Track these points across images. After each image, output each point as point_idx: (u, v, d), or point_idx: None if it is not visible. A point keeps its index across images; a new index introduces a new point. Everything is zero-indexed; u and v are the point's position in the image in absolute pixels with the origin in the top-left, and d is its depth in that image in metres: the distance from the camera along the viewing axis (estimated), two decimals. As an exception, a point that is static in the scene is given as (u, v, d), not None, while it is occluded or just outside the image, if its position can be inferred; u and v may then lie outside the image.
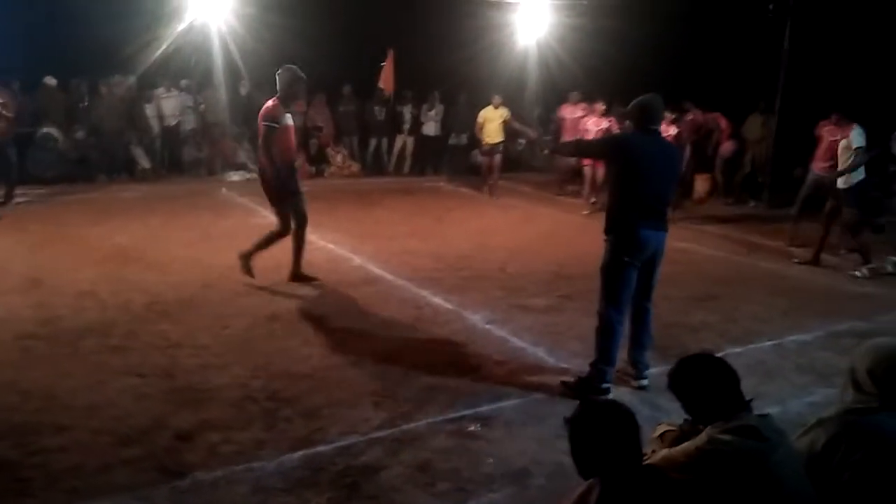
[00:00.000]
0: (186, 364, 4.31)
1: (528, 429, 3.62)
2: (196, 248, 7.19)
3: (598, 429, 1.81)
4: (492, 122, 10.46)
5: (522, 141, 10.45)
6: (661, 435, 2.40)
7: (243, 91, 12.23)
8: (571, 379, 4.14)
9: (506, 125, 10.30)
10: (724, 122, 10.65)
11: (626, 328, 4.18)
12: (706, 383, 2.18)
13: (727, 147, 10.23)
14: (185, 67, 11.44)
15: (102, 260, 6.60)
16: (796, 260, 7.31)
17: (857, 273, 6.79)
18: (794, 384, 4.28)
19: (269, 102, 5.67)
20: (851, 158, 6.77)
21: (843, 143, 6.91)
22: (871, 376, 2.21)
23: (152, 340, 4.67)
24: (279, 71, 5.65)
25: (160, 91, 11.85)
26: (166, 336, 4.75)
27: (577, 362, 4.50)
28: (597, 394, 3.99)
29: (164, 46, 9.81)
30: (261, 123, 5.65)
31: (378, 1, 11.20)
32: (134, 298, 5.49)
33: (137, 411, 3.69)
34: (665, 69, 10.29)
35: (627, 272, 4.02)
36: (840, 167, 6.92)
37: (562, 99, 11.10)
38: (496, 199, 10.62)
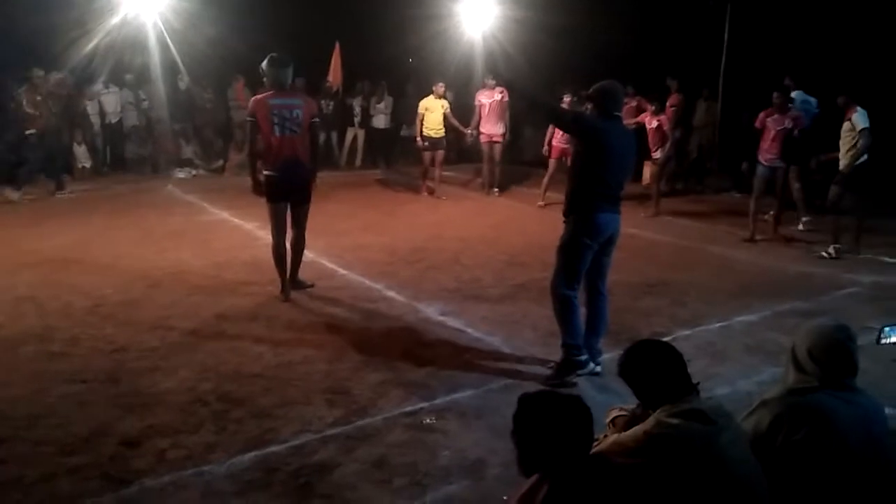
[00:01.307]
0: (132, 368, 4.18)
1: (484, 419, 3.62)
2: (141, 247, 6.99)
3: (542, 423, 1.79)
4: (433, 112, 9.75)
5: (473, 131, 10.37)
6: (613, 420, 2.42)
7: (182, 86, 11.93)
8: (549, 371, 4.17)
9: (445, 118, 9.80)
10: (645, 104, 10.77)
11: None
12: (654, 368, 2.21)
13: (673, 133, 10.38)
14: (122, 63, 11.07)
15: (41, 263, 6.35)
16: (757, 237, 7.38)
17: (824, 253, 6.94)
18: (742, 364, 4.38)
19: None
20: (858, 141, 6.70)
21: (846, 126, 6.83)
22: (810, 356, 2.26)
23: (96, 345, 4.52)
24: (264, 62, 5.25)
25: (100, 87, 11.48)
26: (111, 340, 4.61)
27: (533, 350, 4.54)
28: (576, 368, 4.08)
29: (96, 41, 9.42)
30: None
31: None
32: (75, 302, 5.31)
33: (81, 419, 3.56)
34: (610, 59, 10.38)
35: (585, 253, 4.08)
36: (843, 149, 6.85)
37: (481, 84, 10.62)
38: (439, 198, 10.00)
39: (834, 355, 2.27)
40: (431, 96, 9.80)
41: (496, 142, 10.09)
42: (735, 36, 8.74)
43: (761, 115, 7.63)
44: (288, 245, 5.50)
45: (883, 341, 2.76)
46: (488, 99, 9.93)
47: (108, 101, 11.64)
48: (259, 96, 5.32)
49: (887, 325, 2.77)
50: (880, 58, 10.03)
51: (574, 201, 4.07)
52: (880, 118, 8.94)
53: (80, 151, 11.25)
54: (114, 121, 11.80)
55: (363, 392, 3.88)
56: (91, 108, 11.43)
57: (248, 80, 12.42)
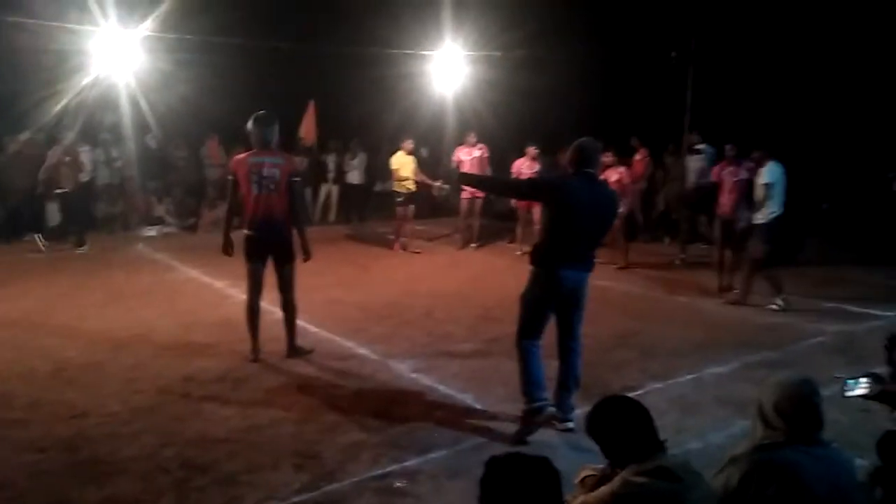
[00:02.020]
0: (92, 434, 4.05)
1: (456, 481, 3.55)
2: (108, 308, 6.86)
3: (509, 487, 1.76)
4: (406, 168, 9.94)
5: (447, 186, 10.49)
6: (583, 480, 2.39)
7: (152, 144, 11.96)
8: (515, 424, 4.14)
9: (414, 174, 9.92)
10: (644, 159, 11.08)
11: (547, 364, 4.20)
12: (620, 426, 2.20)
13: (637, 188, 10.60)
14: (93, 122, 11.07)
15: (5, 326, 6.19)
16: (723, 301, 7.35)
17: (774, 305, 7.02)
18: (713, 417, 4.38)
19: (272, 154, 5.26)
20: (764, 199, 6.84)
21: (758, 181, 7.00)
22: (777, 412, 2.27)
23: (56, 410, 4.38)
24: (250, 121, 5.23)
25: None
26: (72, 405, 4.47)
27: (505, 406, 4.49)
28: (535, 414, 4.06)
29: (66, 101, 9.44)
30: (289, 179, 5.22)
31: (297, 53, 11.23)
32: (37, 366, 5.16)
33: (38, 490, 3.43)
34: (576, 119, 10.69)
35: (542, 307, 4.12)
36: (757, 202, 6.98)
37: (460, 141, 10.83)
38: (414, 252, 10.10)
39: (800, 410, 2.28)
40: (401, 153, 9.97)
41: (478, 198, 10.22)
42: (698, 94, 9.06)
43: (716, 168, 7.85)
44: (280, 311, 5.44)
45: (847, 394, 2.78)
46: (468, 156, 10.15)
47: (86, 161, 11.58)
48: (240, 155, 5.34)
49: (849, 378, 2.78)
50: (840, 111, 10.46)
51: (538, 255, 4.13)
52: (835, 173, 9.28)
53: (52, 209, 11.13)
54: (85, 179, 11.72)
55: (332, 455, 3.79)
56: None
57: (221, 138, 12.52)
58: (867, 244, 9.78)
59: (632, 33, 12.00)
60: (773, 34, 11.10)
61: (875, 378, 2.81)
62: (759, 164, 6.99)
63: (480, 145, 10.19)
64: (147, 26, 8.68)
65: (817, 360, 5.42)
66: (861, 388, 2.75)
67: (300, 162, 12.83)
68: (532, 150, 9.61)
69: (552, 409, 4.16)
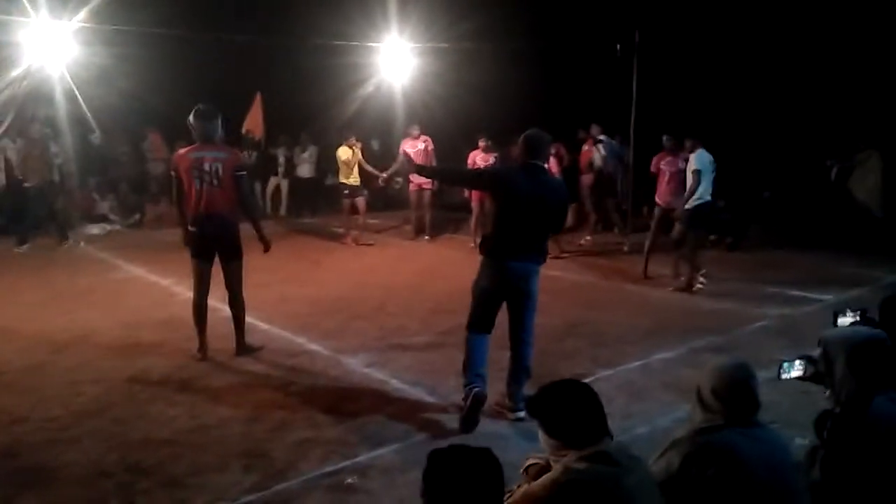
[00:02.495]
0: (31, 441, 3.91)
1: (408, 475, 3.53)
2: (48, 309, 6.63)
3: (451, 479, 1.76)
4: (351, 162, 10.02)
5: (400, 179, 10.48)
6: (527, 468, 2.40)
7: (95, 141, 11.58)
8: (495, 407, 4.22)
9: (359, 165, 10.00)
10: (562, 151, 11.21)
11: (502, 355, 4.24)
12: (564, 411, 2.19)
13: (587, 178, 10.73)
14: (25, 116, 10.64)
15: (-66, 331, 5.93)
16: (671, 288, 7.49)
17: (699, 285, 7.26)
18: (660, 402, 4.46)
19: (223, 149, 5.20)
20: (692, 185, 7.06)
21: (688, 166, 7.22)
22: (715, 395, 2.32)
23: (-9, 417, 4.21)
24: (191, 115, 5.09)
25: (5, 142, 10.97)
26: (9, 411, 4.30)
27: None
28: (466, 397, 4.07)
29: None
30: (233, 173, 5.09)
31: (240, 44, 10.99)
32: (-28, 372, 4.96)
33: (-30, 501, 3.29)
34: (523, 111, 10.76)
35: (489, 299, 4.15)
36: (685, 195, 7.18)
37: (404, 134, 10.83)
38: (365, 245, 10.10)
39: (737, 393, 2.34)
40: (344, 147, 10.01)
41: (425, 189, 10.25)
42: (643, 84, 9.21)
43: (655, 159, 8.01)
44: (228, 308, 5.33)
45: (783, 377, 2.86)
46: (412, 148, 10.06)
47: (15, 157, 11.13)
48: (181, 150, 5.21)
49: (786, 361, 2.87)
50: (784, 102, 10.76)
51: (487, 246, 4.15)
52: (774, 158, 9.55)
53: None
54: (21, 176, 11.27)
55: (282, 454, 3.74)
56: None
57: (164, 131, 12.20)
58: (808, 230, 10.11)
59: (578, 26, 12.12)
60: (715, 25, 11.34)
61: (809, 360, 2.90)
62: (691, 151, 7.19)
63: (424, 137, 10.22)
64: (81, 18, 8.35)
65: (760, 344, 5.58)
66: (796, 370, 2.83)
67: (248, 156, 12.65)
68: (482, 143, 9.66)
69: (477, 390, 4.08)
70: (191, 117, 5.11)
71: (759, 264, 8.75)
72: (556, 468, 2.05)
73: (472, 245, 9.48)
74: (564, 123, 11.11)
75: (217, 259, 5.22)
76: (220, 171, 5.04)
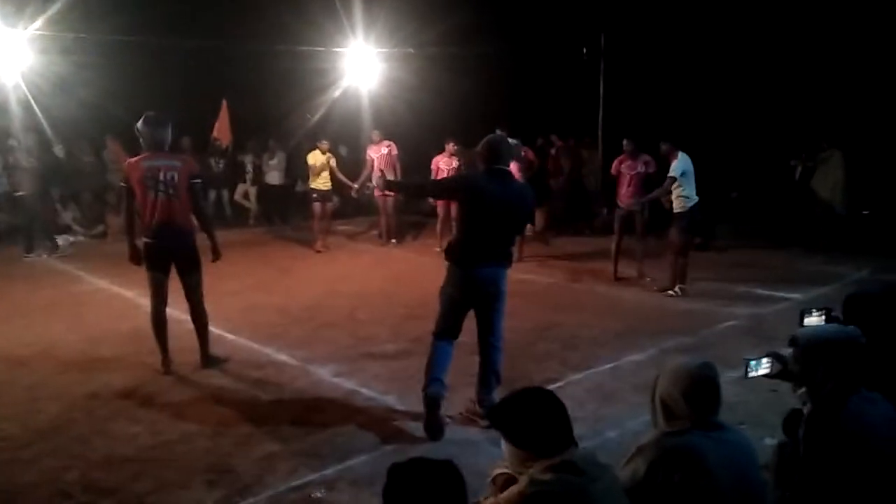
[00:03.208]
0: (-13, 462, 3.77)
1: (376, 487, 3.40)
2: (7, 324, 6.43)
3: (411, 494, 1.71)
4: (322, 167, 9.95)
5: (371, 185, 10.39)
6: (494, 478, 2.36)
7: (61, 153, 11.32)
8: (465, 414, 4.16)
9: (332, 172, 9.96)
10: (531, 155, 11.26)
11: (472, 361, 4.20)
12: (528, 420, 2.14)
13: (557, 181, 10.79)
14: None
15: None
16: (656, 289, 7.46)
17: (672, 292, 7.26)
18: (631, 405, 4.45)
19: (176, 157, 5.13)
20: (677, 191, 7.05)
21: (670, 172, 7.12)
22: (684, 398, 2.28)
23: (-55, 438, 4.06)
24: (139, 122, 4.98)
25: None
26: (-36, 431, 4.16)
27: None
28: (425, 404, 4.02)
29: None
30: (188, 182, 4.97)
31: (208, 52, 10.85)
32: (-76, 391, 4.78)
33: (-80, 528, 3.16)
34: (494, 113, 10.76)
35: (456, 305, 4.11)
36: (673, 193, 7.13)
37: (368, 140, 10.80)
38: (329, 251, 10.08)
39: (705, 394, 2.31)
40: (317, 151, 9.94)
41: (388, 195, 10.13)
42: (610, 87, 9.28)
43: (615, 162, 8.07)
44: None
45: (750, 375, 2.86)
46: (376, 153, 10.07)
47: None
48: (132, 159, 5.05)
49: (752, 359, 2.86)
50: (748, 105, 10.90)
51: (453, 252, 4.10)
52: (751, 160, 9.65)
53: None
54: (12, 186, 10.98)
55: (247, 468, 3.65)
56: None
57: (124, 140, 11.96)
58: (774, 230, 10.26)
59: (543, 30, 12.18)
60: (679, 28, 11.47)
61: (776, 357, 2.91)
62: (668, 156, 7.19)
63: (387, 142, 10.19)
64: (38, 26, 8.15)
65: (730, 343, 5.62)
66: (763, 368, 2.83)
67: (215, 163, 12.49)
68: (451, 146, 9.62)
69: (430, 390, 4.05)
70: (139, 124, 4.96)
71: (727, 264, 8.85)
72: (522, 480, 2.01)
73: (438, 249, 9.42)
74: (531, 127, 11.15)
75: (175, 270, 5.08)
76: (176, 180, 4.92)
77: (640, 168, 7.82)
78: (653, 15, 11.40)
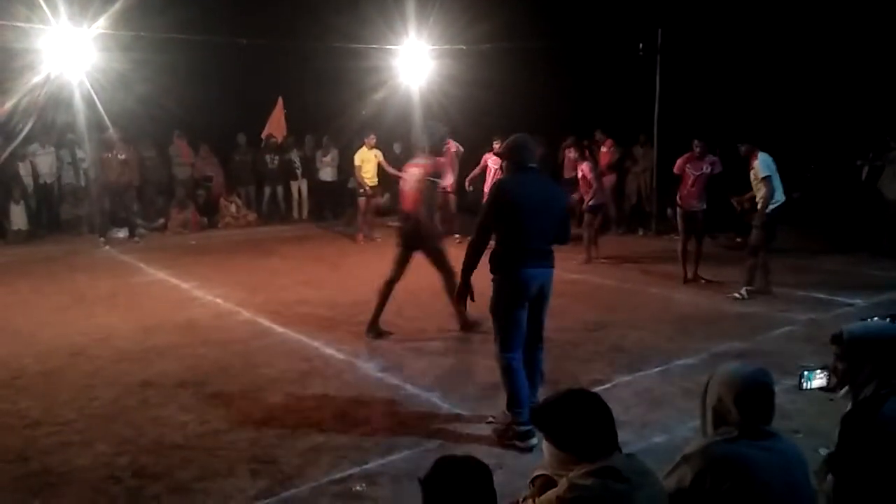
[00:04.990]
0: (44, 444, 3.92)
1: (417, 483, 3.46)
2: (68, 313, 6.70)
3: (450, 489, 1.70)
4: (369, 162, 10.21)
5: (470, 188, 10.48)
6: (533, 479, 2.31)
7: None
8: (496, 424, 4.03)
9: (380, 166, 10.18)
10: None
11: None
12: (573, 422, 2.09)
13: (609, 179, 10.59)
14: (47, 123, 10.83)
15: (-42, 334, 6.01)
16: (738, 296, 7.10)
17: (737, 295, 7.04)
18: (680, 410, 4.32)
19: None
20: (762, 190, 6.83)
21: (752, 174, 6.98)
22: (736, 404, 2.18)
23: (7, 421, 4.24)
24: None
25: (34, 148, 11.18)
26: (24, 414, 4.33)
27: (470, 405, 4.43)
28: (514, 437, 3.87)
29: (16, 101, 9.19)
30: (424, 180, 5.59)
31: (263, 49, 11.05)
32: (-9, 375, 5.00)
33: (-20, 505, 3.30)
34: (545, 111, 10.65)
35: (516, 313, 3.95)
36: (757, 194, 6.95)
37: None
38: (375, 244, 10.13)
39: (760, 401, 2.21)
40: (364, 148, 10.14)
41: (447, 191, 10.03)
42: (667, 83, 9.05)
43: (679, 161, 7.79)
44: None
45: (804, 386, 2.73)
46: (495, 164, 9.76)
47: (43, 162, 11.34)
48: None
49: (806, 370, 2.73)
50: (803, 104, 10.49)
51: (497, 260, 3.96)
52: (808, 161, 9.29)
53: (16, 212, 10.90)
54: (49, 181, 11.49)
55: (291, 459, 3.69)
56: (24, 169, 11.10)
57: (189, 136, 12.32)
58: (837, 232, 9.85)
59: (599, 26, 11.96)
60: (740, 23, 11.11)
61: (834, 370, 2.76)
62: (749, 157, 6.97)
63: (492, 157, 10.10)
64: (101, 24, 8.45)
65: (786, 350, 5.41)
66: (818, 380, 2.70)
67: (270, 160, 12.74)
68: (497, 144, 9.50)
69: (534, 442, 3.80)
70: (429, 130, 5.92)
71: (787, 267, 8.51)
72: (561, 484, 1.96)
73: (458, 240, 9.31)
74: (585, 123, 10.97)
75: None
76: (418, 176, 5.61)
77: (706, 168, 7.61)
78: (711, 10, 11.08)
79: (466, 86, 11.47)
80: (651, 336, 5.80)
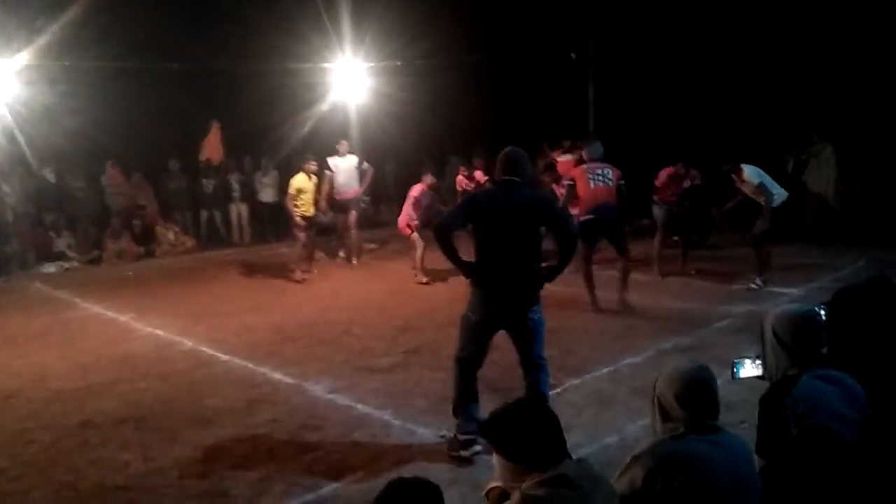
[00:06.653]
0: (-25, 497, 3.71)
1: (372, 504, 3.41)
2: (1, 353, 6.37)
3: None
4: (306, 192, 8.92)
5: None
6: (487, 493, 2.30)
7: (52, 178, 11.32)
8: (449, 438, 3.96)
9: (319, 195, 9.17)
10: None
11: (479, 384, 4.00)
12: (522, 433, 2.08)
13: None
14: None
15: None
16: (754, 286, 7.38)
17: (753, 285, 7.28)
18: (629, 409, 4.39)
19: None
20: (765, 197, 7.15)
21: (745, 188, 7.30)
22: (677, 401, 2.22)
23: (-66, 474, 4.00)
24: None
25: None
26: (-47, 466, 4.09)
27: (424, 420, 4.41)
28: (457, 447, 3.84)
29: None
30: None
31: (195, 74, 10.85)
32: (-85, 426, 4.71)
33: None
34: (482, 124, 10.75)
35: (474, 326, 3.88)
36: (764, 205, 7.23)
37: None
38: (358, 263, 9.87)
39: (700, 397, 2.25)
40: (302, 174, 8.93)
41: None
42: (600, 91, 9.26)
43: (664, 175, 8.25)
44: None
45: (738, 376, 2.78)
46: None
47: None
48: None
49: (737, 360, 2.78)
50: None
51: (471, 273, 3.90)
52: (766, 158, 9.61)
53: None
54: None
55: (242, 491, 3.59)
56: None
57: (121, 165, 11.96)
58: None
59: (531, 38, 12.15)
60: (667, 25, 11.45)
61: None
62: (735, 175, 7.28)
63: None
64: (25, 57, 8.15)
65: (727, 342, 5.57)
66: (748, 369, 2.75)
67: (207, 184, 12.47)
68: (427, 178, 8.86)
69: (478, 448, 3.79)
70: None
71: (724, 261, 8.79)
72: (514, 496, 1.95)
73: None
74: (522, 136, 11.11)
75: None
76: None
77: (687, 184, 8.17)
78: (640, 17, 11.39)
79: (404, 103, 11.51)
80: (599, 338, 5.90)
